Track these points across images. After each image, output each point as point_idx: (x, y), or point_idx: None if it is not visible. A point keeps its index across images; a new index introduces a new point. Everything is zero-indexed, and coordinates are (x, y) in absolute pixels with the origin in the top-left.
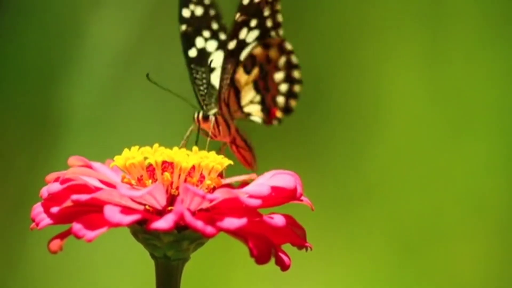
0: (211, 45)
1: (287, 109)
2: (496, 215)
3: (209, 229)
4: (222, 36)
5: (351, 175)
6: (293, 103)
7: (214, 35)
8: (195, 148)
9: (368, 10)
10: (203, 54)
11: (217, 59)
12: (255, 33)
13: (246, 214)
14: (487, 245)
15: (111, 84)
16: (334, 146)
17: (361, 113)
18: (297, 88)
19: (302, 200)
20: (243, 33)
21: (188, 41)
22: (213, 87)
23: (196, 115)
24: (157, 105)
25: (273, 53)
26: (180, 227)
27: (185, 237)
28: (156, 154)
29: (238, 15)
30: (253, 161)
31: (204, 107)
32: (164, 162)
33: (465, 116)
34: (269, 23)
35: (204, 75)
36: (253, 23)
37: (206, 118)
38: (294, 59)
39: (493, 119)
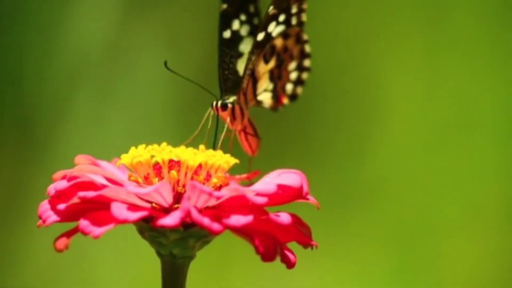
0: (245, 30)
1: (293, 96)
2: (495, 215)
3: (216, 226)
4: (255, 21)
5: (350, 175)
6: (299, 90)
7: (249, 19)
8: (201, 146)
9: (368, 9)
10: (236, 37)
11: (246, 45)
12: (280, 28)
13: (252, 212)
14: (487, 245)
15: (96, 80)
16: (333, 146)
17: (361, 113)
18: (305, 75)
19: (308, 199)
20: (271, 27)
21: (225, 21)
22: (236, 72)
23: (214, 104)
24: (142, 100)
25: (290, 42)
26: (186, 225)
27: (191, 235)
28: (163, 152)
29: (271, 8)
30: (257, 149)
31: (224, 92)
32: (171, 161)
33: (464, 116)
34: (294, 21)
35: (232, 60)
36: (281, 18)
37: (224, 106)
38: (307, 48)
39: (492, 118)
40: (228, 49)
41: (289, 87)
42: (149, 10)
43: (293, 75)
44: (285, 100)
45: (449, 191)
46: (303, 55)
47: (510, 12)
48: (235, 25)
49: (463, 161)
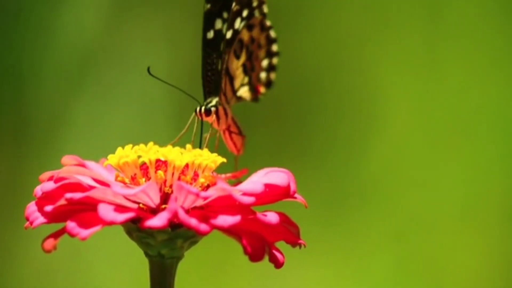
0: (226, 28)
1: (268, 83)
2: (494, 214)
3: (203, 227)
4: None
5: (348, 174)
6: (272, 75)
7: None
8: (188, 146)
9: (367, 9)
10: (219, 37)
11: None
12: (245, 23)
13: (240, 212)
14: (487, 244)
15: (94, 80)
16: (331, 144)
17: (359, 112)
18: (275, 60)
19: (295, 198)
20: (237, 23)
21: (208, 21)
22: (218, 73)
23: (198, 110)
24: (140, 99)
25: (255, 33)
26: (174, 225)
27: (179, 235)
28: (150, 152)
29: (234, 4)
30: (242, 147)
31: (207, 95)
32: (157, 161)
33: (463, 115)
34: (257, 14)
35: (214, 61)
36: (245, 13)
37: (208, 112)
38: (272, 33)
39: (490, 118)
40: (211, 50)
41: (263, 75)
42: (145, 10)
43: (264, 63)
44: (262, 89)
45: (448, 189)
46: (270, 41)
47: (510, 12)
48: (218, 24)
49: (463, 160)
